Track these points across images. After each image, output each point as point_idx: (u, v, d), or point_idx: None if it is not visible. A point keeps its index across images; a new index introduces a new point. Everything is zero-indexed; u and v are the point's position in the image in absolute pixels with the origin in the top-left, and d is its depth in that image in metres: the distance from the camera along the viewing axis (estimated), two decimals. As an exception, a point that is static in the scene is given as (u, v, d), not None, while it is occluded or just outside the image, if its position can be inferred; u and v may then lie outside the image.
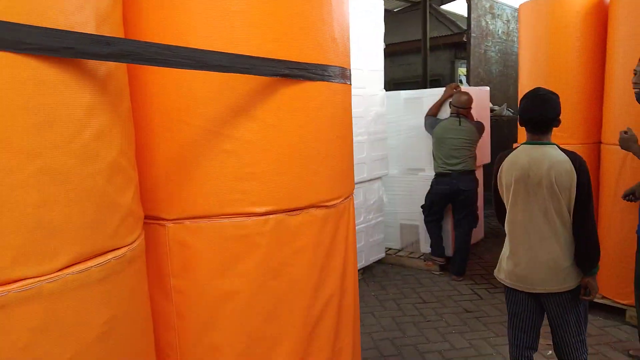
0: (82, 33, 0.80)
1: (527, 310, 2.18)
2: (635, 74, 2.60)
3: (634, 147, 2.63)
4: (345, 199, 1.34)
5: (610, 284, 3.14)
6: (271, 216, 1.14)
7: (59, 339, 0.81)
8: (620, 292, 3.19)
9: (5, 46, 0.73)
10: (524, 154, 2.07)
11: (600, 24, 3.38)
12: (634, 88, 2.64)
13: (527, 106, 2.07)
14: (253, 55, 1.05)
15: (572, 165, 1.96)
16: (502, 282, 2.19)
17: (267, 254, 1.15)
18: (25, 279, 0.78)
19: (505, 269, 2.17)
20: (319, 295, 1.22)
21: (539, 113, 2.05)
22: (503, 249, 2.21)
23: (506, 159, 2.13)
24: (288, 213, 1.16)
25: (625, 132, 2.66)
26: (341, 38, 1.29)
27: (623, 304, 3.22)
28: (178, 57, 0.92)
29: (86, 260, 0.85)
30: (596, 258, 2.04)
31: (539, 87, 2.11)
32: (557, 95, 2.07)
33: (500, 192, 2.17)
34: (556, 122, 2.08)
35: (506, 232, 2.19)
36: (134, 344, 0.96)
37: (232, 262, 1.13)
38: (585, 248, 2.03)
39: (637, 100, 2.65)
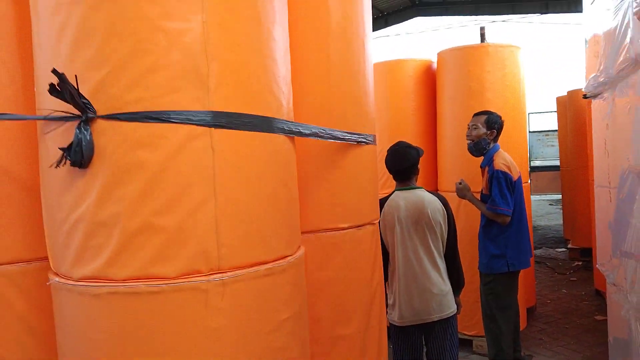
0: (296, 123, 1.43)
1: (415, 344, 2.54)
2: (469, 128, 3.39)
3: (468, 195, 3.33)
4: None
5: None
6: (349, 230, 1.80)
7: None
8: (466, 324, 3.87)
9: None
10: (399, 198, 2.50)
11: (430, 86, 4.45)
12: (467, 139, 3.38)
13: (388, 159, 2.56)
14: (350, 130, 1.74)
15: (441, 204, 2.52)
16: (398, 324, 2.49)
17: (346, 254, 1.79)
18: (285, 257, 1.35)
19: (399, 309, 2.46)
20: (372, 282, 1.89)
21: (399, 164, 2.50)
22: (390, 296, 2.51)
23: (385, 205, 2.49)
24: (357, 228, 1.83)
25: (460, 183, 3.33)
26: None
27: (470, 335, 3.93)
28: (325, 134, 1.57)
29: (287, 256, 1.41)
30: (464, 280, 2.64)
31: (400, 141, 2.61)
32: (414, 148, 2.55)
33: (384, 236, 2.46)
34: (415, 169, 2.53)
35: (392, 274, 2.50)
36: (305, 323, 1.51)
37: (326, 260, 1.75)
38: (457, 272, 2.59)
39: (468, 151, 3.41)
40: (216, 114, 1.21)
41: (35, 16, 1.32)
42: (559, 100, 8.31)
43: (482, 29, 8.56)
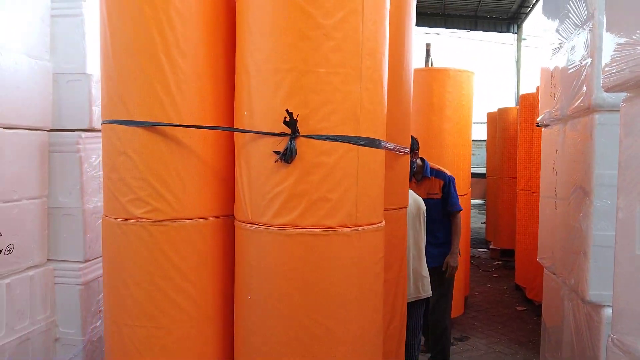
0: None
1: (418, 320, 3.48)
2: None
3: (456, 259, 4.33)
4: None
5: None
6: (395, 210, 2.82)
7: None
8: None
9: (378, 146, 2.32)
10: None
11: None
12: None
13: None
14: (400, 144, 2.76)
15: (421, 200, 3.60)
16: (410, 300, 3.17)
17: (393, 225, 2.81)
18: (381, 222, 2.36)
19: (409, 288, 3.20)
20: (404, 245, 2.94)
21: None
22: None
23: None
24: (399, 209, 2.86)
25: (453, 263, 4.05)
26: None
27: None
28: (394, 148, 2.58)
29: (382, 221, 2.41)
30: None
31: None
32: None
33: None
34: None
35: None
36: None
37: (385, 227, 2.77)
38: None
39: None
40: (362, 139, 2.20)
41: (247, 74, 2.23)
42: (489, 115, 9.77)
43: (427, 45, 9.93)
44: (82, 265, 3.64)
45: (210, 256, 2.47)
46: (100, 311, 3.78)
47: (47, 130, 3.59)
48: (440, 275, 4.00)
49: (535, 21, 14.47)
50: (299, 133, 2.13)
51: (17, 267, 3.33)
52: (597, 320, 2.65)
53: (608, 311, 2.61)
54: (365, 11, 2.18)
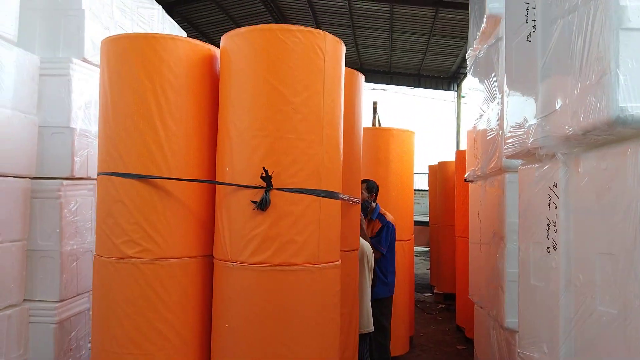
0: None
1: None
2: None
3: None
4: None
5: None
6: (346, 252, 3.33)
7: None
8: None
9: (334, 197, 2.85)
10: None
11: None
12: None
13: None
14: (352, 195, 3.30)
15: (367, 245, 4.22)
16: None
17: (345, 264, 3.31)
18: (338, 259, 2.85)
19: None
20: (356, 281, 3.43)
21: None
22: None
23: None
24: (350, 251, 3.37)
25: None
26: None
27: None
28: (348, 199, 3.12)
29: (339, 259, 2.91)
30: None
31: None
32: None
33: None
34: None
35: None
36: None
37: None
38: None
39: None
40: (323, 191, 2.73)
41: (229, 138, 2.73)
42: (431, 167, 10.56)
43: (374, 103, 10.75)
44: (57, 305, 3.90)
45: (191, 290, 2.88)
46: (71, 349, 4.02)
47: (31, 178, 3.91)
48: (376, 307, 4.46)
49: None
50: (272, 186, 2.63)
51: (-4, 306, 3.57)
52: (513, 343, 3.21)
53: (522, 335, 3.17)
54: (326, 91, 2.75)
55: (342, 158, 2.96)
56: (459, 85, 17.64)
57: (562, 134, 1.81)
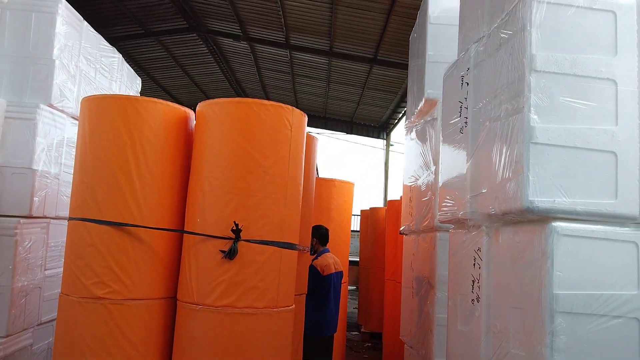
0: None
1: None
2: None
3: None
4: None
5: None
6: (298, 295, 3.69)
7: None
8: None
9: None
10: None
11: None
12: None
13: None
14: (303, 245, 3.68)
15: None
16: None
17: (296, 307, 3.67)
18: (292, 304, 3.21)
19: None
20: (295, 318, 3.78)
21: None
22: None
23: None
24: (299, 295, 3.72)
25: None
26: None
27: None
28: (302, 249, 3.50)
29: (293, 304, 3.26)
30: None
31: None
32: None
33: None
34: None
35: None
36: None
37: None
38: None
39: None
40: (284, 243, 3.10)
41: (202, 193, 3.06)
42: (363, 212, 11.14)
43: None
44: (3, 340, 3.92)
45: (155, 329, 3.11)
46: (15, 386, 4.03)
47: (-13, 215, 3.98)
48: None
49: (402, 130, 16.88)
50: (240, 238, 2.97)
51: (-55, 342, 3.58)
52: (440, 382, 3.67)
53: (448, 374, 3.64)
54: (291, 156, 3.16)
55: (300, 212, 3.36)
56: (388, 134, 18.69)
57: (486, 212, 2.32)
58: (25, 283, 4.12)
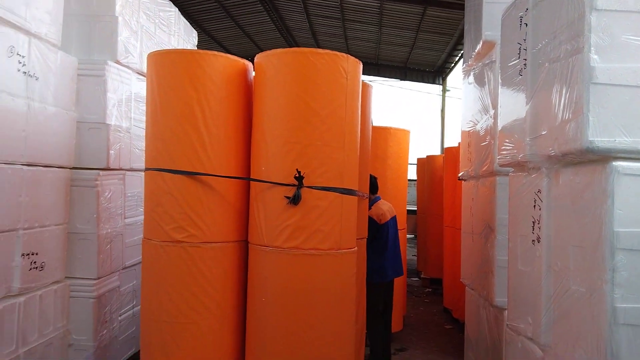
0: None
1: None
2: None
3: None
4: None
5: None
6: (359, 239, 3.86)
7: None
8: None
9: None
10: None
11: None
12: None
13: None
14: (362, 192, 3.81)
15: None
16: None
17: (359, 249, 3.84)
18: (355, 246, 3.38)
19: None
20: (358, 258, 3.97)
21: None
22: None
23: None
24: (360, 239, 3.89)
25: None
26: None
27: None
28: (361, 194, 3.63)
29: (355, 245, 3.43)
30: None
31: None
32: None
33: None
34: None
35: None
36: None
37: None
38: None
39: None
40: (344, 189, 3.23)
41: (265, 143, 3.21)
42: (419, 160, 11.10)
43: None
44: (94, 282, 4.36)
45: (230, 269, 3.38)
46: (106, 321, 4.49)
47: (70, 168, 4.33)
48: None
49: (459, 75, 16.38)
50: (303, 185, 3.13)
51: (45, 282, 4.02)
52: (501, 319, 3.77)
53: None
54: (347, 104, 3.25)
55: (358, 160, 3.46)
56: (444, 80, 18.19)
57: (546, 153, 2.34)
58: (109, 230, 4.51)
